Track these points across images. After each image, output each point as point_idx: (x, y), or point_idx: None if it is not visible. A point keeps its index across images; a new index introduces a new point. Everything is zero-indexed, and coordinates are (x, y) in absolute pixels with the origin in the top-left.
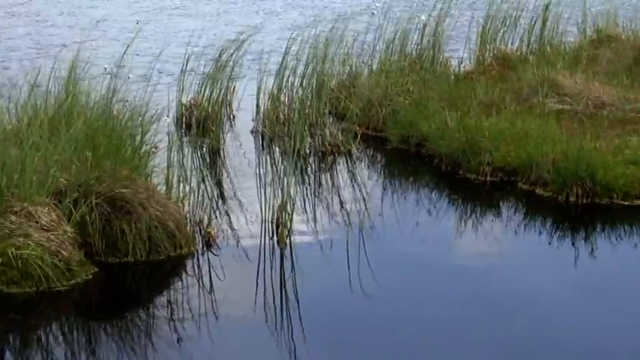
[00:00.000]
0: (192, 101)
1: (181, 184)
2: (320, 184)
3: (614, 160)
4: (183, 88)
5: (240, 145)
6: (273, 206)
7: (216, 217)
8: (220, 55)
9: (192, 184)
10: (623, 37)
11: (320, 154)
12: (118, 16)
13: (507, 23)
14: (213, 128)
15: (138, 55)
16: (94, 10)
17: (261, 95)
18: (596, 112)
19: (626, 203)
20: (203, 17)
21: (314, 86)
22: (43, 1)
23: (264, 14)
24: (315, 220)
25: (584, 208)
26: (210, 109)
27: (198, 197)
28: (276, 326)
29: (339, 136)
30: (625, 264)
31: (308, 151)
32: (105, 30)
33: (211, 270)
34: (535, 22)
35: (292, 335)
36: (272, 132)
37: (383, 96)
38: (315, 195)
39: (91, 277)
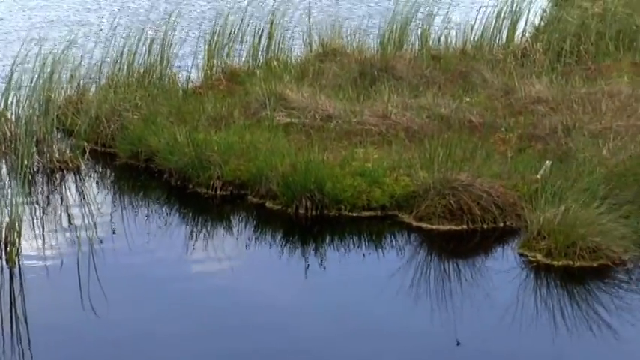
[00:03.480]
0: None
1: None
2: (49, 202)
3: (342, 172)
4: None
5: None
6: (0, 225)
7: None
8: None
9: None
10: (348, 50)
11: (48, 171)
12: None
13: (234, 37)
14: None
15: None
16: None
17: None
18: (323, 125)
19: (354, 215)
20: None
21: (41, 102)
22: None
23: None
24: (44, 239)
25: (313, 221)
26: None
27: None
28: (5, 347)
29: (68, 152)
30: (354, 274)
31: (36, 169)
32: None
33: None
34: (262, 36)
35: (22, 357)
36: None
37: (111, 111)
38: (44, 213)
39: None
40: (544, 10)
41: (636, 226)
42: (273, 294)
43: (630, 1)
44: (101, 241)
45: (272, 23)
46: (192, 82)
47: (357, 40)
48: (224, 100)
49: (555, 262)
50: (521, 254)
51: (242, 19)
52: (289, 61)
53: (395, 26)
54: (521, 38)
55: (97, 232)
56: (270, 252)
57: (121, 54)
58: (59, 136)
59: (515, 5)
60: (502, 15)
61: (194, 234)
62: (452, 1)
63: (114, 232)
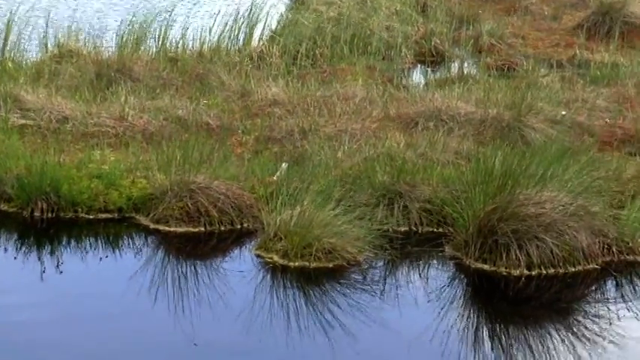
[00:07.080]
0: None
1: None
2: None
3: (78, 175)
4: None
5: None
6: None
7: None
8: None
9: None
10: (84, 52)
11: None
12: None
13: None
14: None
15: None
16: None
17: None
18: (59, 127)
19: (91, 217)
20: None
21: None
22: None
23: None
24: None
25: (49, 223)
26: None
27: None
28: None
29: None
30: (91, 277)
31: None
32: None
33: None
34: None
35: None
36: None
37: None
38: None
39: None
40: (281, 14)
41: (370, 227)
42: (6, 298)
43: (364, 6)
44: None
45: (8, 23)
46: None
47: (94, 41)
48: None
49: (292, 264)
50: (258, 255)
51: None
52: (25, 62)
53: (133, 27)
54: (259, 41)
55: None
56: (5, 255)
57: None
58: None
59: (252, 9)
60: (240, 18)
61: None
62: (192, 3)
63: None
